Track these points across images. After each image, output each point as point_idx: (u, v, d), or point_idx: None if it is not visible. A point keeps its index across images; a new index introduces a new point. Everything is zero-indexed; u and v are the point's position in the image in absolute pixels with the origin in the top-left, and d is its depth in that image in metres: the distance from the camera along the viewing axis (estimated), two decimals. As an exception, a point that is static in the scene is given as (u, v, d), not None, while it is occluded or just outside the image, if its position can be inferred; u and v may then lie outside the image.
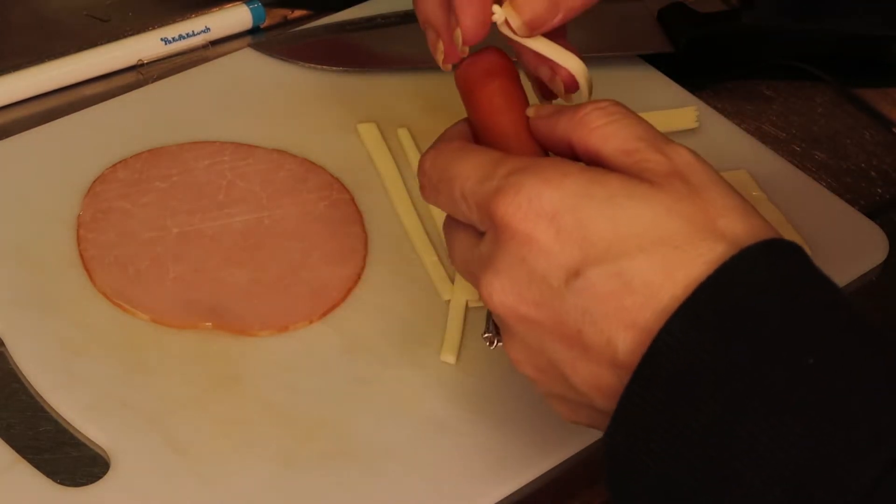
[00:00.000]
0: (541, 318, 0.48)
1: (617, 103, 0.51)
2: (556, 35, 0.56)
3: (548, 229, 0.47)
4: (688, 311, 0.45)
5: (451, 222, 0.54)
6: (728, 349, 0.44)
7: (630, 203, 0.47)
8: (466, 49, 0.55)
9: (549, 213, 0.47)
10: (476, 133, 0.55)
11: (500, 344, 0.54)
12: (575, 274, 0.47)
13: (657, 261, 0.46)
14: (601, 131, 0.50)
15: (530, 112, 0.54)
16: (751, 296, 0.45)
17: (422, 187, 0.54)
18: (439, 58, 0.57)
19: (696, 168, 0.49)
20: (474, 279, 0.51)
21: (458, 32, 0.54)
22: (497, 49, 0.56)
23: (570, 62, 0.56)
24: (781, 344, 0.44)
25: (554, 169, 0.48)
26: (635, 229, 0.47)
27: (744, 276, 0.45)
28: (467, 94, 0.56)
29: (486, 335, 0.55)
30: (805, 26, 0.80)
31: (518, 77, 0.56)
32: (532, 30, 0.54)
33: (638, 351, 0.45)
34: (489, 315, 0.54)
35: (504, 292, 0.49)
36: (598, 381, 0.48)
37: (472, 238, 0.52)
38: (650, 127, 0.50)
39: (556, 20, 0.54)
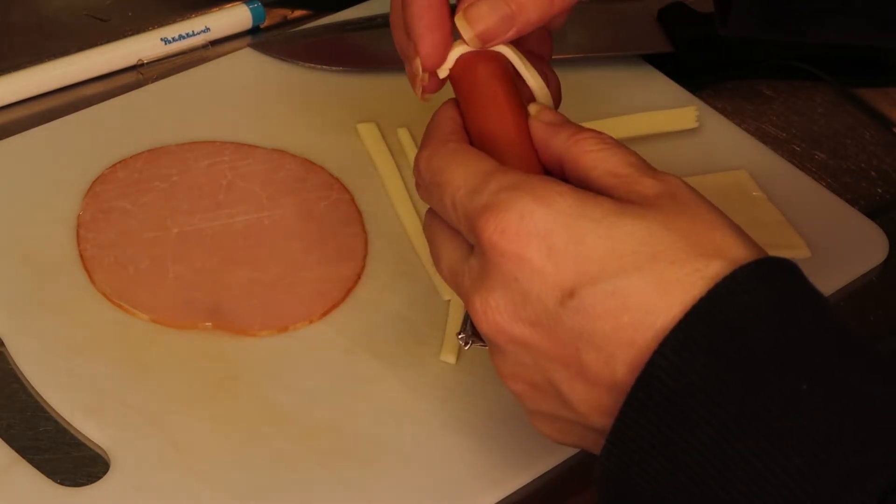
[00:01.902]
0: (536, 337, 0.48)
1: (612, 138, 0.51)
2: (537, 56, 0.56)
3: (539, 248, 0.47)
4: (681, 332, 0.44)
5: (436, 221, 0.53)
6: (721, 373, 0.44)
7: (624, 220, 0.47)
8: (426, 76, 0.55)
9: (541, 231, 0.47)
10: (466, 123, 0.55)
11: (475, 345, 0.53)
12: (570, 294, 0.46)
13: (653, 278, 0.45)
14: (593, 155, 0.50)
15: (532, 109, 0.54)
16: (745, 318, 0.44)
17: (417, 185, 0.54)
18: (417, 91, 0.56)
19: (685, 190, 0.49)
20: (464, 293, 0.51)
21: (418, 61, 0.55)
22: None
23: (531, 80, 0.56)
24: (776, 369, 0.44)
25: (546, 187, 0.48)
26: (630, 245, 0.46)
27: (738, 297, 0.45)
28: (462, 84, 0.55)
29: (460, 335, 0.54)
30: (785, 38, 0.80)
31: (512, 75, 0.56)
32: (484, 42, 0.54)
33: (636, 371, 0.45)
34: (466, 315, 0.54)
35: (498, 311, 0.48)
36: (597, 399, 0.47)
37: (461, 245, 0.52)
38: (641, 157, 0.50)
39: (511, 34, 0.54)
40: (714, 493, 0.43)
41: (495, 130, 0.53)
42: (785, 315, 0.45)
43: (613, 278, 0.46)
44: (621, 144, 0.51)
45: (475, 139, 0.54)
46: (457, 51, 0.55)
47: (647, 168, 0.50)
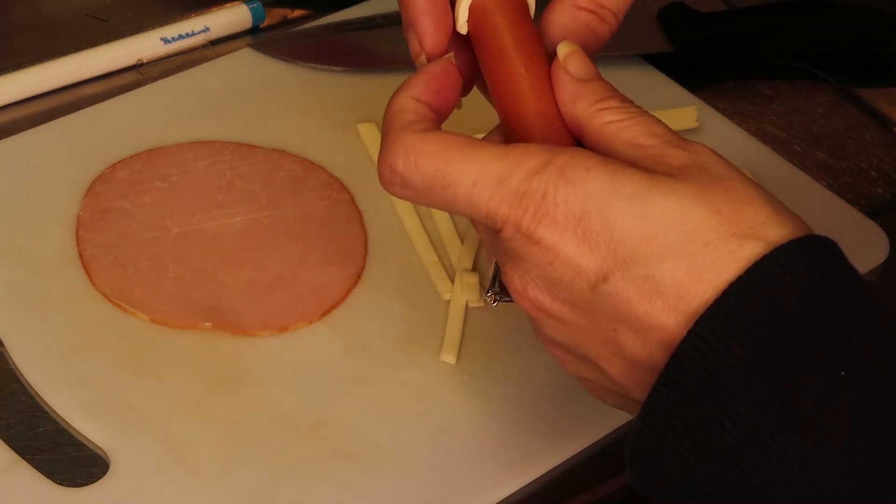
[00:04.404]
0: (574, 316, 0.48)
1: (638, 107, 0.50)
2: None
3: (575, 233, 0.46)
4: (716, 314, 0.44)
5: None
6: (758, 356, 0.43)
7: (655, 197, 0.46)
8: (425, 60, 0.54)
9: (575, 215, 0.46)
10: (488, 81, 0.52)
11: (503, 302, 0.52)
12: (604, 278, 0.46)
13: (686, 260, 0.45)
14: (615, 126, 0.49)
15: (561, 51, 0.52)
16: (783, 301, 0.44)
17: (388, 183, 0.50)
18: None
19: (715, 160, 0.48)
20: (501, 264, 0.50)
21: (417, 41, 0.53)
22: None
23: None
24: (814, 354, 0.43)
25: (575, 165, 0.47)
26: (662, 224, 0.45)
27: (775, 280, 0.44)
28: (481, 37, 0.52)
29: (489, 294, 0.53)
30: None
31: (531, 17, 0.53)
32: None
33: (671, 351, 0.45)
34: (496, 272, 0.53)
35: (538, 288, 0.48)
36: (637, 376, 0.47)
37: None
38: (667, 127, 0.49)
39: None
40: (748, 480, 0.43)
41: (522, 84, 0.51)
42: (825, 299, 0.44)
43: (646, 262, 0.45)
44: (647, 113, 0.50)
45: (499, 96, 0.52)
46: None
47: (674, 137, 0.49)
